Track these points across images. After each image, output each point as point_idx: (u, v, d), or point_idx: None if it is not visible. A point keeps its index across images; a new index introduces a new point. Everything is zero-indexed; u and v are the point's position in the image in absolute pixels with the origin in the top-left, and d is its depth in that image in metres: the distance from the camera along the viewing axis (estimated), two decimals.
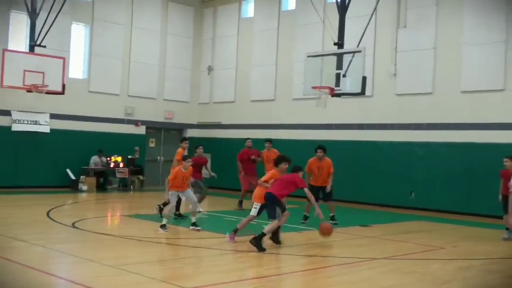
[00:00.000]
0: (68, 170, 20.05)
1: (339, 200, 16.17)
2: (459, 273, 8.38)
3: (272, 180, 10.28)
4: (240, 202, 16.03)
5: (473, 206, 15.77)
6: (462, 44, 16.42)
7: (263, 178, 10.47)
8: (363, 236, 11.75)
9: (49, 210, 13.74)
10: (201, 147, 14.56)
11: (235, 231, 10.29)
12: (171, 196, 11.53)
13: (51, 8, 17.55)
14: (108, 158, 20.85)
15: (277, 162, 10.57)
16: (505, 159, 12.10)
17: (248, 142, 16.50)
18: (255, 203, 10.35)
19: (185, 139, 14.53)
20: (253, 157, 16.15)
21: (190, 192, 11.79)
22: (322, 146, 13.50)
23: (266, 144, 16.18)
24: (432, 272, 8.42)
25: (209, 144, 22.55)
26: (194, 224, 11.50)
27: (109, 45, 21.38)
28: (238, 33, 22.79)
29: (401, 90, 17.66)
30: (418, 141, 16.96)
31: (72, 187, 19.89)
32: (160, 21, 22.84)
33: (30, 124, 19.50)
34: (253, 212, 10.33)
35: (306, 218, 13.23)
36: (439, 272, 8.38)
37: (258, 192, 10.40)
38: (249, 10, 22.78)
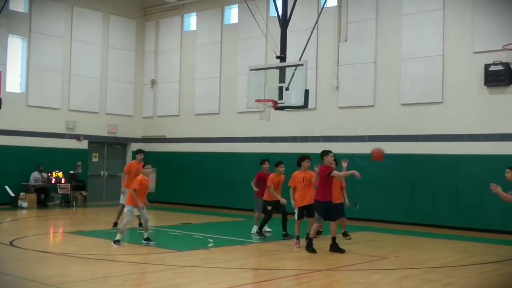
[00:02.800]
0: (6, 187, 19.42)
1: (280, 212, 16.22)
2: (399, 283, 8.50)
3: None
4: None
5: (415, 216, 16.11)
6: (401, 58, 16.82)
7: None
8: (303, 248, 11.76)
9: None
10: (267, 162, 13.83)
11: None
12: (128, 212, 11.50)
13: None
14: (49, 174, 20.33)
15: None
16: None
17: None
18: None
19: (140, 151, 14.32)
20: None
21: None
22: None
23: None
24: (374, 282, 8.52)
25: (153, 158, 22.32)
26: (147, 239, 11.57)
27: (47, 58, 20.88)
28: (181, 46, 22.70)
29: (344, 103, 17.94)
30: (361, 153, 17.18)
31: (12, 204, 19.29)
32: (101, 34, 22.50)
33: None
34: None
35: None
36: (380, 282, 8.48)
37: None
38: (191, 23, 22.74)
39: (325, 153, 11.17)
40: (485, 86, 15.22)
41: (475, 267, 10.04)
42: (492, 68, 15.04)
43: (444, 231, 15.07)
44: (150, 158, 21.47)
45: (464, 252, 11.70)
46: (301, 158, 12.31)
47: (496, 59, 14.85)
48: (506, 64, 14.54)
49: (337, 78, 18.10)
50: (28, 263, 9.49)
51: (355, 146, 17.35)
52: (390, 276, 9.00)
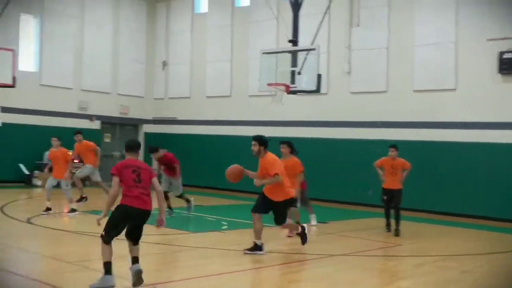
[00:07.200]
0: (21, 165, 19.61)
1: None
2: (414, 270, 8.61)
3: None
4: None
5: (430, 204, 16.00)
6: (414, 44, 16.78)
7: None
8: (321, 233, 11.93)
9: (3, 206, 13.47)
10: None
11: None
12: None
13: None
14: None
15: None
16: None
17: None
18: None
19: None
20: None
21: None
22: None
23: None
24: (389, 268, 8.66)
25: (164, 140, 22.43)
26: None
27: (60, 37, 20.89)
28: (192, 28, 22.68)
29: (356, 88, 17.93)
30: (373, 139, 17.19)
31: (26, 182, 19.50)
32: (112, 15, 22.49)
33: None
34: None
35: None
36: (395, 269, 8.61)
37: None
38: (202, 5, 22.64)
39: None
40: (499, 74, 15.19)
41: (485, 256, 10.14)
42: (506, 55, 15.00)
43: (453, 218, 15.11)
44: (161, 140, 21.63)
45: (476, 241, 11.80)
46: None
47: (510, 47, 14.82)
48: None
49: (349, 63, 18.08)
50: (46, 240, 9.66)
51: (366, 131, 17.39)
52: (405, 263, 9.13)
